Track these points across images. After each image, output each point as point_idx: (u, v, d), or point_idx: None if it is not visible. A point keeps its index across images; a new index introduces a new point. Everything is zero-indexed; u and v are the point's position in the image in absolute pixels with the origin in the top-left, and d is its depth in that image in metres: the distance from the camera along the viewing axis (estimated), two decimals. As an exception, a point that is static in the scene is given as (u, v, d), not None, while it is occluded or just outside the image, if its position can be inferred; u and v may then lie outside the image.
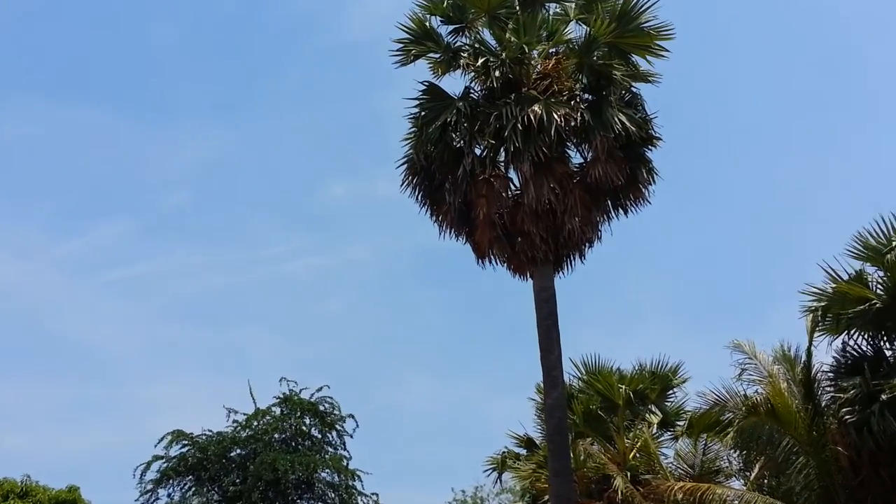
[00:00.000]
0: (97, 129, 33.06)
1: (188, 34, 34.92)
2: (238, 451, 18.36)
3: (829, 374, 11.24)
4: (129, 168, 34.50)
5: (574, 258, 12.46)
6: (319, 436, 18.75)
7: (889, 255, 10.64)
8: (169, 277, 32.58)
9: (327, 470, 18.24)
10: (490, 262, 12.61)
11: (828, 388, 11.27)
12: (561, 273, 12.45)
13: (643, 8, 12.32)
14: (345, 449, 18.68)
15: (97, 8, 34.31)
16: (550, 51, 12.85)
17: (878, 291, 10.79)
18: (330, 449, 18.70)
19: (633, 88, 12.66)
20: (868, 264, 10.90)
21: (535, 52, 12.70)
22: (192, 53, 35.48)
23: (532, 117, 11.62)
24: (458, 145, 12.39)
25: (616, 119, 11.85)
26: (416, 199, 12.75)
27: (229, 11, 35.26)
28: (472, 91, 12.59)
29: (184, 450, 18.29)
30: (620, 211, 12.56)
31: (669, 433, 15.22)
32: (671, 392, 15.43)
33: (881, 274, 10.80)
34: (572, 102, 12.03)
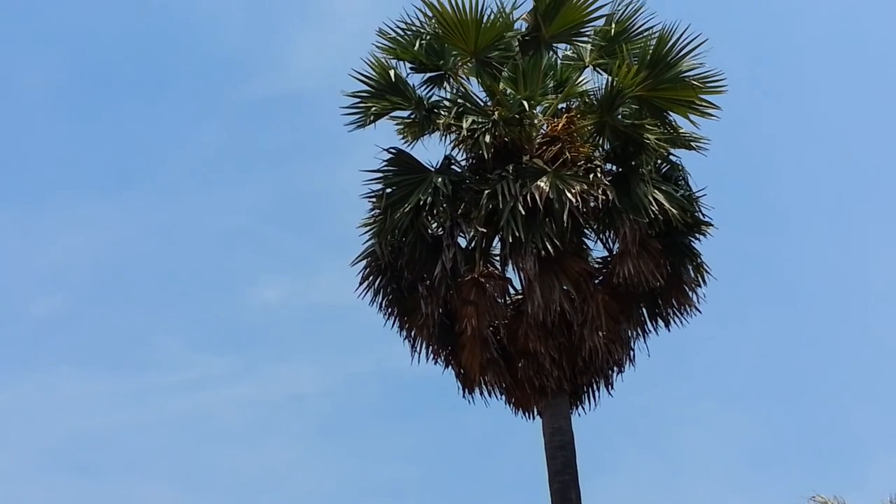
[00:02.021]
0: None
1: (67, 82, 31.92)
2: None
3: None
4: None
5: (598, 387, 11.50)
6: None
7: None
8: (32, 413, 29.38)
9: None
10: (482, 393, 11.53)
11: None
12: (580, 408, 11.49)
13: (683, 51, 11.20)
14: None
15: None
16: (560, 106, 11.85)
17: None
18: None
19: (672, 157, 11.69)
20: None
21: (539, 108, 11.71)
22: (72, 108, 32.31)
23: (537, 196, 10.49)
24: (437, 234, 11.35)
25: (650, 198, 10.78)
26: (380, 306, 11.61)
27: (124, 51, 31.66)
28: (454, 161, 11.62)
29: None
30: (659, 322, 11.60)
31: None
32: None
33: None
34: (591, 176, 10.90)
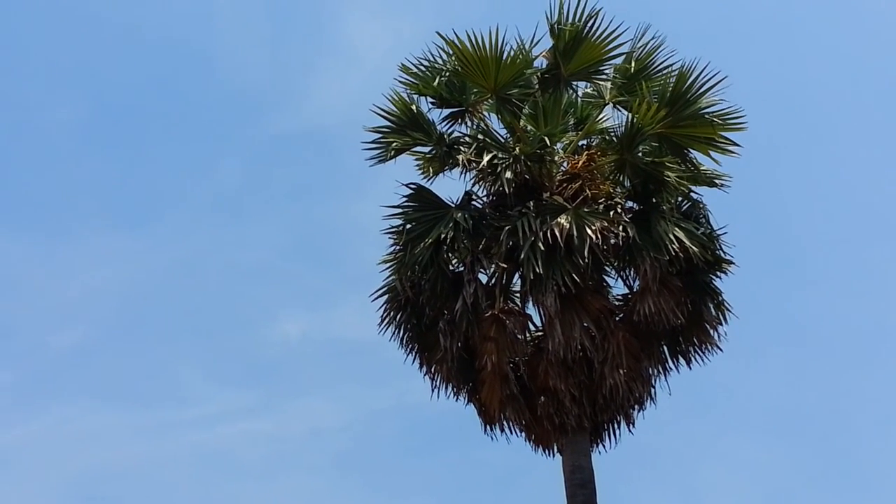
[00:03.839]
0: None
1: (90, 117, 31.89)
2: None
3: None
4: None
5: (618, 425, 11.33)
6: None
7: None
8: (51, 446, 29.19)
9: None
10: (502, 429, 11.40)
11: None
12: (601, 446, 11.32)
13: (703, 88, 11.09)
14: None
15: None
16: (580, 143, 11.78)
17: None
18: None
19: (692, 194, 11.54)
20: None
21: (559, 145, 11.63)
22: (95, 142, 32.37)
23: (557, 233, 10.40)
24: (458, 270, 11.27)
25: (671, 236, 10.63)
26: (400, 342, 11.52)
27: (146, 86, 31.82)
28: (474, 197, 11.52)
29: None
30: (681, 360, 11.43)
31: None
32: None
33: None
34: (611, 213, 10.84)
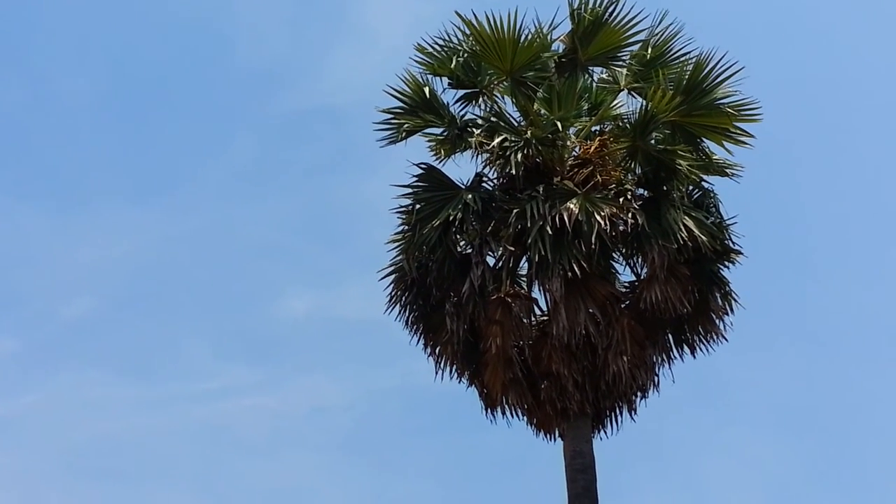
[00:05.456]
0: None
1: (108, 89, 31.77)
2: None
3: None
4: (10, 267, 31.43)
5: (621, 412, 11.33)
6: None
7: None
8: (58, 415, 29.22)
9: None
10: (504, 413, 11.39)
11: None
12: (603, 432, 11.33)
13: (719, 78, 11.11)
14: None
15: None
16: (593, 129, 11.74)
17: None
18: None
19: (704, 183, 11.51)
20: None
21: (572, 129, 11.57)
22: (111, 114, 32.30)
23: (566, 217, 10.40)
24: (465, 252, 11.23)
25: (680, 224, 10.61)
26: (406, 322, 11.55)
27: (164, 60, 31.77)
28: (485, 179, 11.51)
29: None
30: (685, 349, 11.42)
31: None
32: None
33: None
34: (621, 200, 10.83)
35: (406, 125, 11.79)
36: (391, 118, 11.82)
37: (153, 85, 30.96)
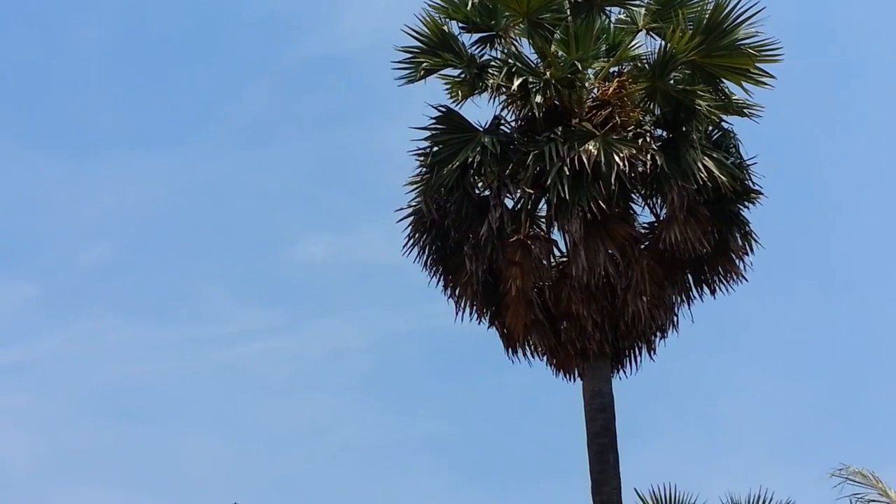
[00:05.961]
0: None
1: (119, 39, 30.12)
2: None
3: None
4: (29, 215, 31.46)
5: (640, 352, 11.37)
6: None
7: None
8: (78, 360, 29.49)
9: None
10: (525, 354, 11.46)
11: None
12: (622, 372, 11.39)
13: (740, 18, 10.99)
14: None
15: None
16: (612, 70, 11.65)
17: None
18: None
19: (723, 124, 11.46)
20: None
21: (590, 71, 11.50)
22: (124, 64, 32.19)
23: (585, 159, 10.37)
24: (484, 194, 11.23)
25: (700, 164, 10.61)
26: (424, 265, 11.57)
27: (175, 9, 30.54)
28: (503, 122, 11.47)
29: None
30: (705, 289, 11.47)
31: None
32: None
33: None
34: (640, 140, 10.80)
35: (425, 64, 11.70)
36: (410, 57, 11.75)
37: (164, 32, 30.79)
